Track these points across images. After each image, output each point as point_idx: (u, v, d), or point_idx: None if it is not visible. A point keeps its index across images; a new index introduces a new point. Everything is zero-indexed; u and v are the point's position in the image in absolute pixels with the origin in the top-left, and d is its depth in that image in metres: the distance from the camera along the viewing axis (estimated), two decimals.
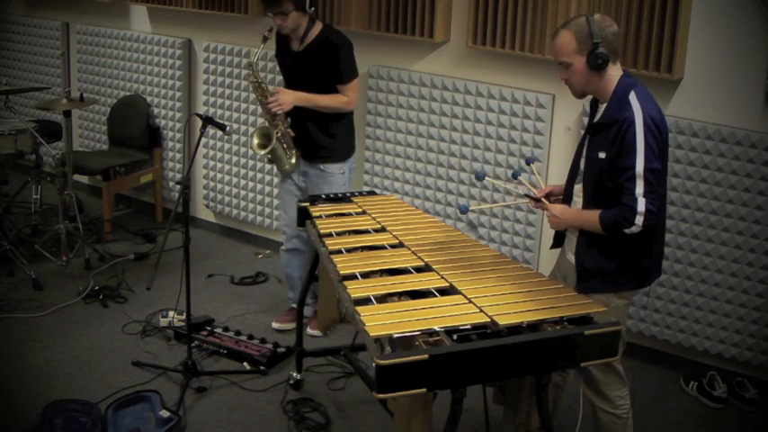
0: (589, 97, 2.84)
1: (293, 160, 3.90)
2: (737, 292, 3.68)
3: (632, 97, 2.64)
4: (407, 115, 4.45)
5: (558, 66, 2.73)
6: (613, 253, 2.72)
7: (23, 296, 4.45)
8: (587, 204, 2.76)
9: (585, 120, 3.85)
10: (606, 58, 2.63)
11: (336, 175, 3.90)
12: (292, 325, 3.99)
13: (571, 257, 2.85)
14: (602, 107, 2.74)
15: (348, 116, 3.92)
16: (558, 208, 2.81)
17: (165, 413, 3.37)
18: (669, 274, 3.82)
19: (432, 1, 4.14)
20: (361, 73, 4.58)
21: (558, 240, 3.01)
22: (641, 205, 2.57)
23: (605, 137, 2.66)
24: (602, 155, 2.67)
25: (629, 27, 3.60)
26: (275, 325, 4.17)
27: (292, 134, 3.85)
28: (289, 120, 3.84)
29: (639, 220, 2.58)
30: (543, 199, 2.88)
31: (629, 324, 3.94)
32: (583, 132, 2.94)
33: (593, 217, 2.69)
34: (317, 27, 3.78)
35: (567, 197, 2.92)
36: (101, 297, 4.45)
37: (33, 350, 3.93)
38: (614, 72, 2.69)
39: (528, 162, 3.24)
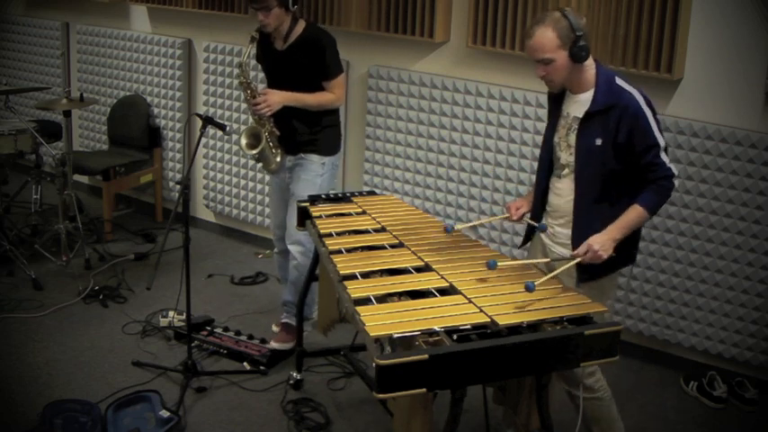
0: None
1: (278, 159, 3.89)
2: (737, 292, 3.68)
3: (621, 82, 2.71)
4: (407, 115, 4.45)
5: (535, 63, 2.72)
6: None
7: (23, 296, 4.45)
8: (586, 192, 2.76)
9: None
10: (588, 49, 2.68)
11: (316, 164, 3.83)
12: (289, 345, 3.94)
13: (561, 250, 2.87)
14: (583, 97, 2.75)
15: (334, 114, 3.89)
16: (598, 237, 2.66)
17: (165, 413, 3.37)
18: (669, 274, 3.82)
19: (432, 1, 4.14)
20: (361, 73, 4.61)
21: (530, 235, 3.06)
22: (675, 170, 2.70)
23: (602, 123, 2.69)
24: (599, 142, 2.69)
25: (629, 27, 3.60)
26: (275, 329, 4.13)
27: (277, 133, 3.84)
28: (272, 119, 3.82)
29: (677, 182, 2.71)
30: (574, 255, 2.71)
31: (629, 324, 3.95)
32: (546, 131, 2.95)
33: (635, 214, 2.68)
34: (301, 25, 3.77)
35: (539, 196, 2.96)
36: (101, 297, 4.45)
37: (33, 350, 3.93)
38: (589, 61, 2.74)
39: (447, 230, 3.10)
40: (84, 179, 6.04)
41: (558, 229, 2.89)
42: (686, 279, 3.79)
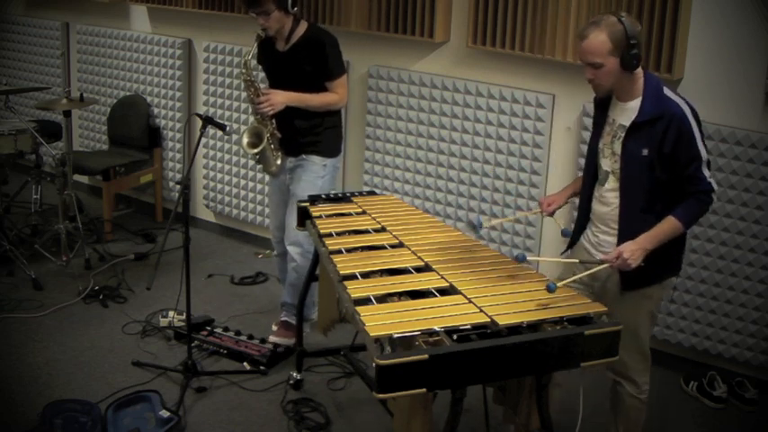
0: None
1: (279, 161, 3.88)
2: (737, 291, 3.68)
3: (668, 92, 2.69)
4: (407, 115, 4.45)
5: (585, 66, 2.68)
6: (661, 247, 2.71)
7: (23, 296, 4.45)
8: (632, 202, 2.74)
9: (586, 120, 3.86)
10: (640, 58, 2.65)
11: (317, 166, 3.83)
12: (289, 341, 3.94)
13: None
14: (630, 105, 2.72)
15: (336, 116, 3.88)
16: (629, 245, 2.64)
17: (165, 413, 3.37)
18: None
19: (432, 1, 4.14)
20: (361, 73, 4.61)
21: (573, 243, 3.02)
22: (714, 185, 2.69)
23: (649, 133, 2.66)
24: (645, 152, 2.67)
25: None
26: (273, 339, 4.06)
27: (279, 135, 3.83)
28: (273, 120, 3.82)
29: (714, 197, 2.70)
30: (604, 260, 2.69)
31: None
32: (592, 136, 2.92)
33: (669, 226, 2.66)
34: (302, 26, 3.76)
35: (584, 203, 2.94)
36: (101, 297, 4.45)
37: (33, 350, 3.93)
38: (638, 69, 2.70)
39: (476, 226, 3.06)
40: (84, 179, 6.04)
41: (603, 237, 2.86)
42: (686, 279, 3.79)
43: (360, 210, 3.41)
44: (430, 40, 4.22)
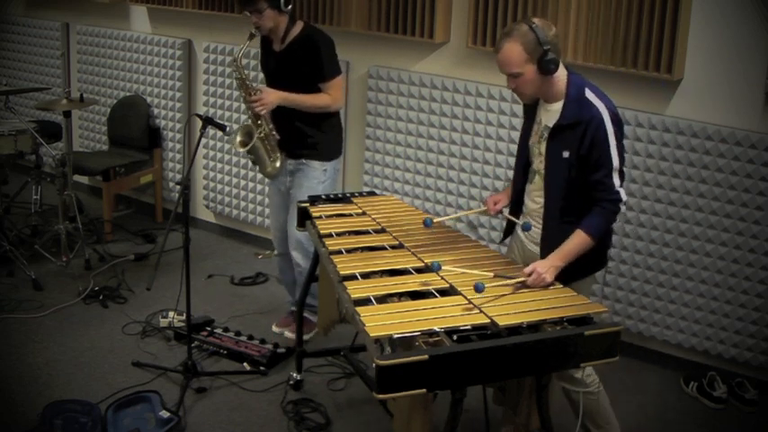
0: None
1: (277, 164, 3.85)
2: (737, 292, 3.68)
3: (590, 95, 2.71)
4: (407, 115, 4.45)
5: (506, 76, 2.74)
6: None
7: (23, 296, 4.45)
8: (554, 201, 2.79)
9: None
10: (557, 62, 2.69)
11: (317, 171, 3.82)
12: (309, 335, 3.95)
13: (535, 248, 2.89)
14: (554, 107, 2.77)
15: (335, 117, 3.87)
16: (541, 263, 2.65)
17: (165, 413, 3.37)
18: (669, 275, 3.82)
19: (432, 1, 4.14)
20: (360, 73, 4.61)
21: (510, 230, 3.09)
22: (623, 195, 2.70)
23: (570, 137, 2.71)
24: (566, 154, 2.72)
25: (629, 27, 3.61)
26: (275, 329, 4.15)
27: (277, 137, 3.82)
28: (270, 122, 3.81)
29: (623, 207, 2.73)
30: (519, 277, 2.65)
31: (629, 324, 3.95)
32: (521, 133, 2.99)
33: (579, 240, 2.68)
34: (298, 26, 3.75)
35: (517, 199, 3.00)
36: (101, 297, 4.45)
37: (33, 350, 3.93)
38: (561, 72, 2.74)
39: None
40: (84, 179, 6.04)
41: (535, 228, 2.92)
42: (686, 279, 3.79)
43: (360, 210, 3.41)
44: (430, 41, 4.22)
